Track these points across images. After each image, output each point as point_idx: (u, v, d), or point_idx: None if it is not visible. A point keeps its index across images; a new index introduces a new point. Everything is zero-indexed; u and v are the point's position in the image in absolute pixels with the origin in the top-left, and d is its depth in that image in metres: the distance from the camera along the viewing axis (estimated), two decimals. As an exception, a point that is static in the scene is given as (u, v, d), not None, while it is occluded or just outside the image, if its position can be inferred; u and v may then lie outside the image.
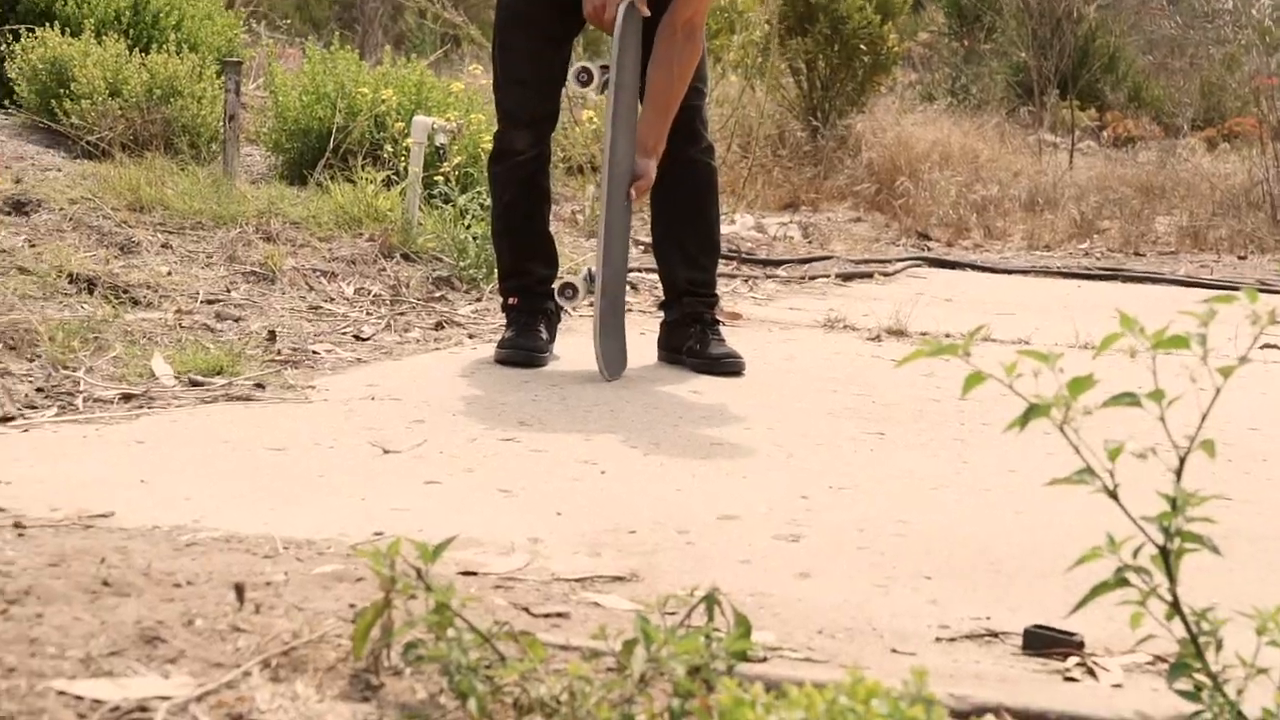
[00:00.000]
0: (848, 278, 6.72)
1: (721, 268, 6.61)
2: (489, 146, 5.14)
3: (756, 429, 3.62)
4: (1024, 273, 7.41)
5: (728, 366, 4.33)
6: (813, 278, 6.64)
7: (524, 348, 4.32)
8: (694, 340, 4.41)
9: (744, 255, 7.02)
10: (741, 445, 3.44)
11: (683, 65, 4.24)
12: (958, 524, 2.84)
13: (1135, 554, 1.91)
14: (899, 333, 5.09)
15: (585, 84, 4.26)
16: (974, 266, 7.50)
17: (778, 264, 6.92)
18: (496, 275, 4.62)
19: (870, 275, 6.81)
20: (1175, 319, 1.88)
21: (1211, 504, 2.00)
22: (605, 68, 4.21)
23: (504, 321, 4.51)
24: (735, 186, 8.79)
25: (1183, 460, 1.91)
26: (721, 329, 4.50)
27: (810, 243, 7.87)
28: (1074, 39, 13.62)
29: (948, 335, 5.11)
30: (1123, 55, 16.03)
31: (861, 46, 10.19)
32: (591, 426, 3.56)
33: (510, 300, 4.45)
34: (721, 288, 6.06)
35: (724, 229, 7.69)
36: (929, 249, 8.13)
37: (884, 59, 10.40)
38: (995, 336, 5.06)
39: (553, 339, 4.48)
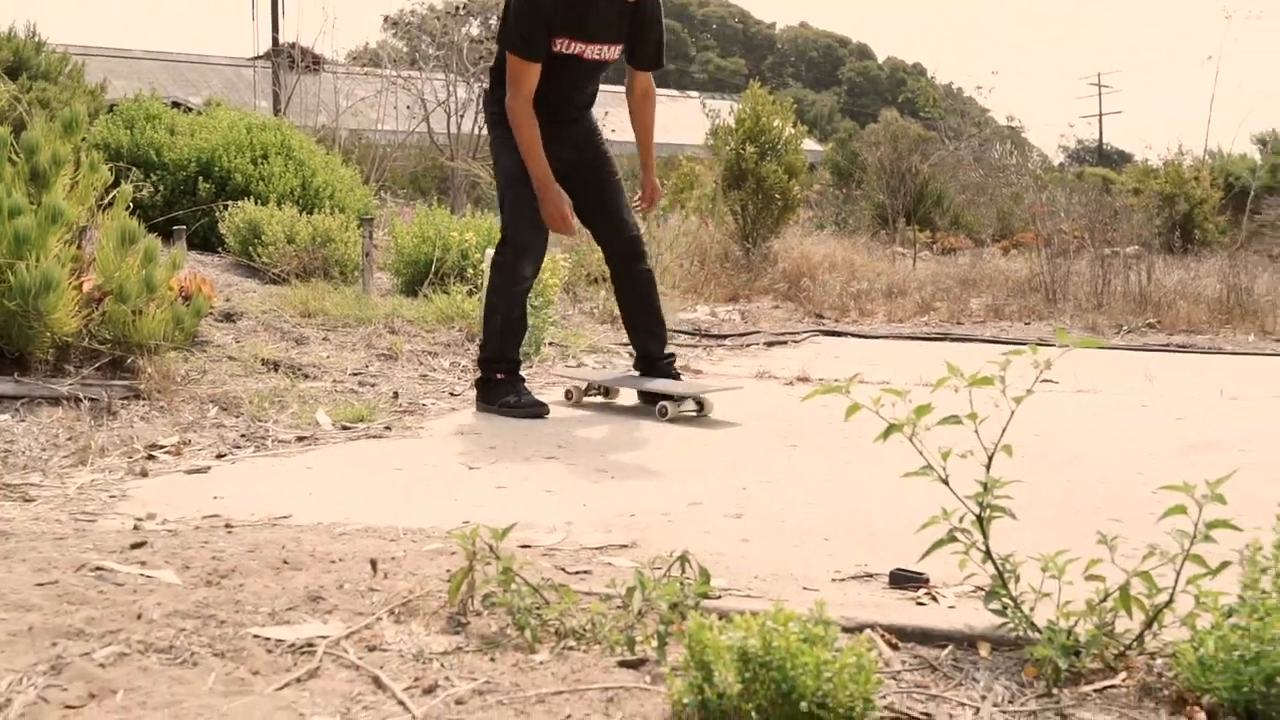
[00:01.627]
0: (771, 344, 6.68)
1: (685, 340, 6.64)
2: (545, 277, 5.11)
3: (713, 446, 3.59)
4: (885, 338, 7.37)
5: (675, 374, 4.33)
6: (748, 345, 6.61)
7: (538, 404, 4.18)
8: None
9: (703, 332, 6.99)
10: (702, 456, 3.41)
11: (652, 117, 4.22)
12: (846, 504, 2.82)
13: (961, 520, 1.89)
14: (805, 379, 5.06)
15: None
16: (853, 334, 7.46)
17: (724, 337, 6.88)
18: (483, 354, 4.17)
19: (785, 342, 6.78)
20: (984, 366, 1.87)
21: (1010, 487, 1.98)
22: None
23: (474, 384, 4.26)
24: (696, 288, 8.77)
25: (990, 458, 1.89)
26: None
27: (746, 322, 7.83)
28: (914, 185, 13.66)
29: (837, 379, 5.07)
30: (946, 194, 16.05)
31: (776, 195, 10.19)
32: (605, 449, 3.53)
33: (498, 375, 4.15)
34: (687, 353, 6.07)
35: (687, 315, 7.68)
36: (824, 324, 8.10)
37: (791, 202, 10.40)
38: (867, 379, 5.02)
39: None
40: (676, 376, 4.35)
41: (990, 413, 1.87)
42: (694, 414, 4.11)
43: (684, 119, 30.87)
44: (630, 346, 4.57)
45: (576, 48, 3.95)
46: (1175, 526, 1.69)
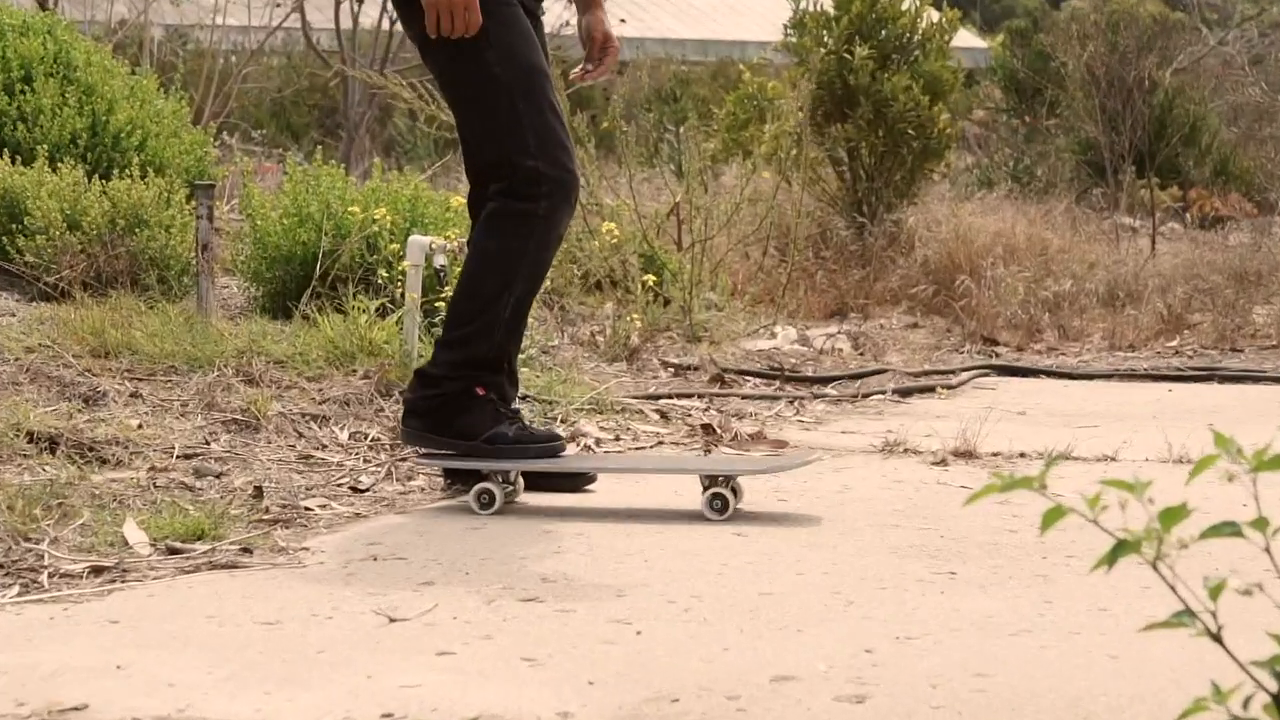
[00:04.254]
0: (906, 393, 6.72)
1: (764, 389, 6.69)
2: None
3: (810, 574, 3.61)
4: (1106, 377, 7.41)
5: None
6: (866, 395, 6.65)
7: (554, 436, 4.39)
8: None
9: (788, 373, 7.04)
10: (794, 594, 3.44)
11: None
12: (1044, 674, 2.83)
13: (1246, 704, 1.90)
14: (967, 454, 5.09)
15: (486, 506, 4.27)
16: (1049, 373, 7.51)
17: (826, 381, 6.93)
18: (452, 352, 4.39)
19: (932, 389, 6.82)
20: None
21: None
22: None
23: (413, 406, 4.42)
24: (774, 295, 8.83)
25: (1293, 595, 1.91)
26: None
27: (862, 355, 7.89)
28: (1148, 110, 13.71)
29: (1023, 455, 5.11)
30: (1205, 125, 16.06)
31: (909, 131, 10.26)
32: (623, 580, 3.56)
33: (478, 389, 4.35)
34: (764, 410, 6.12)
35: (763, 344, 7.75)
36: (997, 355, 8.14)
37: (935, 143, 10.46)
38: (1077, 454, 5.06)
39: None
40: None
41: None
42: (722, 512, 4.20)
43: (748, 2, 31.12)
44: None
45: None
46: None
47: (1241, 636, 1.94)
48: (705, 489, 4.27)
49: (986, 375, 7.38)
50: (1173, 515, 1.90)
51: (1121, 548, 1.91)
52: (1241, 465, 1.90)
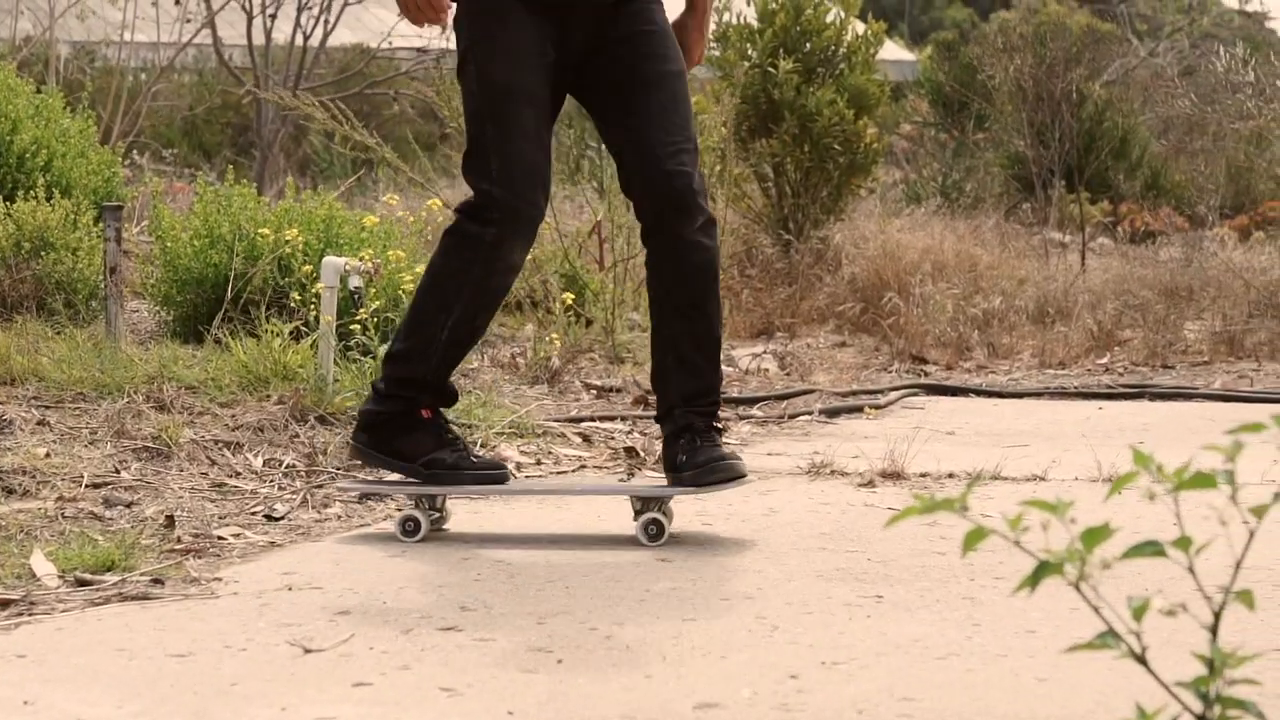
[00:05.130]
0: (833, 414, 6.76)
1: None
2: (410, 287, 5.18)
3: (735, 599, 3.63)
4: (1036, 395, 7.46)
5: (720, 473, 4.22)
6: (793, 416, 6.68)
7: (496, 465, 4.39)
8: (681, 452, 4.29)
9: (713, 394, 7.05)
10: (719, 619, 3.45)
11: None
12: (971, 698, 2.85)
13: (1172, 726, 1.93)
14: (895, 476, 5.12)
15: (411, 534, 4.26)
16: (978, 392, 7.55)
17: (751, 402, 6.95)
18: (397, 368, 4.39)
19: (860, 409, 6.85)
20: (1206, 449, 1.92)
21: (1260, 664, 2.02)
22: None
23: (361, 422, 4.42)
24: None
25: (1218, 615, 1.93)
26: (719, 434, 4.38)
27: (788, 375, 7.91)
28: (1077, 123, 13.79)
29: (951, 475, 5.13)
30: (1135, 138, 16.18)
31: (835, 145, 10.31)
32: (545, 607, 3.57)
33: (424, 411, 4.35)
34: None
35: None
36: (926, 374, 8.18)
37: (862, 158, 10.51)
38: (1006, 474, 5.09)
39: None
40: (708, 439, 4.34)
41: (1217, 533, 1.92)
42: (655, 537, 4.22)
43: (670, 12, 31.12)
44: (652, 391, 4.64)
45: None
46: None
47: (1172, 657, 1.96)
48: (637, 514, 4.27)
49: (915, 394, 7.42)
50: (1095, 535, 1.93)
51: (1043, 569, 1.93)
52: (1162, 485, 1.92)
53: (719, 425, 4.40)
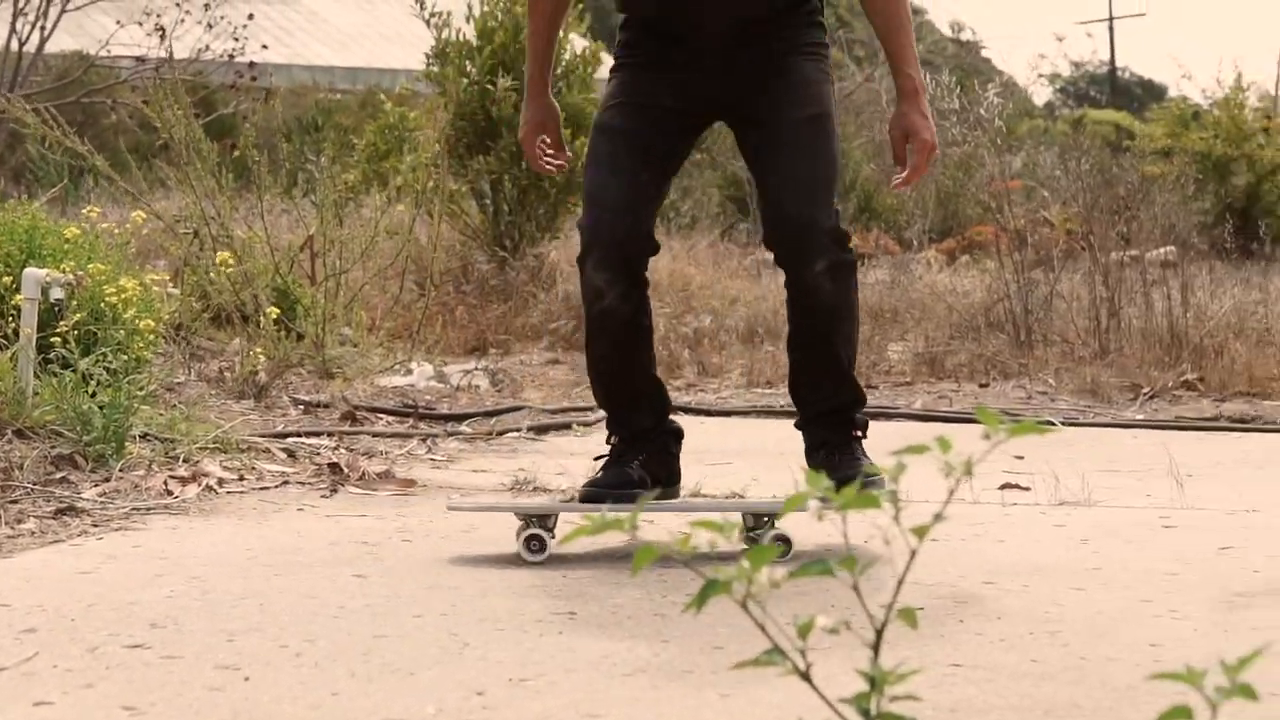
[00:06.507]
0: (542, 430, 6.78)
1: (397, 426, 6.68)
2: (112, 300, 5.09)
3: (429, 616, 3.62)
4: (743, 414, 7.55)
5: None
6: (502, 432, 6.68)
7: (608, 484, 4.41)
8: (822, 465, 4.43)
9: (422, 410, 7.04)
10: (410, 636, 3.44)
11: None
12: (654, 715, 2.88)
13: (834, 741, 1.96)
14: (597, 491, 5.14)
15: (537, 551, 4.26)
16: (686, 409, 7.61)
17: (461, 419, 6.95)
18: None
19: (568, 426, 6.88)
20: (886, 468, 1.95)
21: (923, 678, 2.06)
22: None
23: None
24: (411, 330, 8.82)
25: (879, 632, 1.97)
26: (858, 443, 4.53)
27: (500, 392, 7.93)
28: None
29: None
30: (849, 161, 16.48)
31: (552, 165, 10.32)
32: (236, 625, 3.53)
33: (611, 439, 4.62)
34: (396, 448, 6.11)
35: (399, 381, 7.74)
36: (636, 392, 8.22)
37: (578, 177, 10.54)
38: (706, 490, 5.15)
39: (660, 481, 4.56)
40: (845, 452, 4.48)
41: (902, 551, 1.95)
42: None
43: (394, 26, 30.99)
44: None
45: None
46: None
47: (835, 676, 2.00)
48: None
49: (625, 412, 7.45)
50: (762, 554, 1.96)
51: (711, 588, 1.96)
52: (830, 500, 1.96)
53: (859, 434, 4.55)
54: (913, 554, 1.98)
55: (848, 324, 4.47)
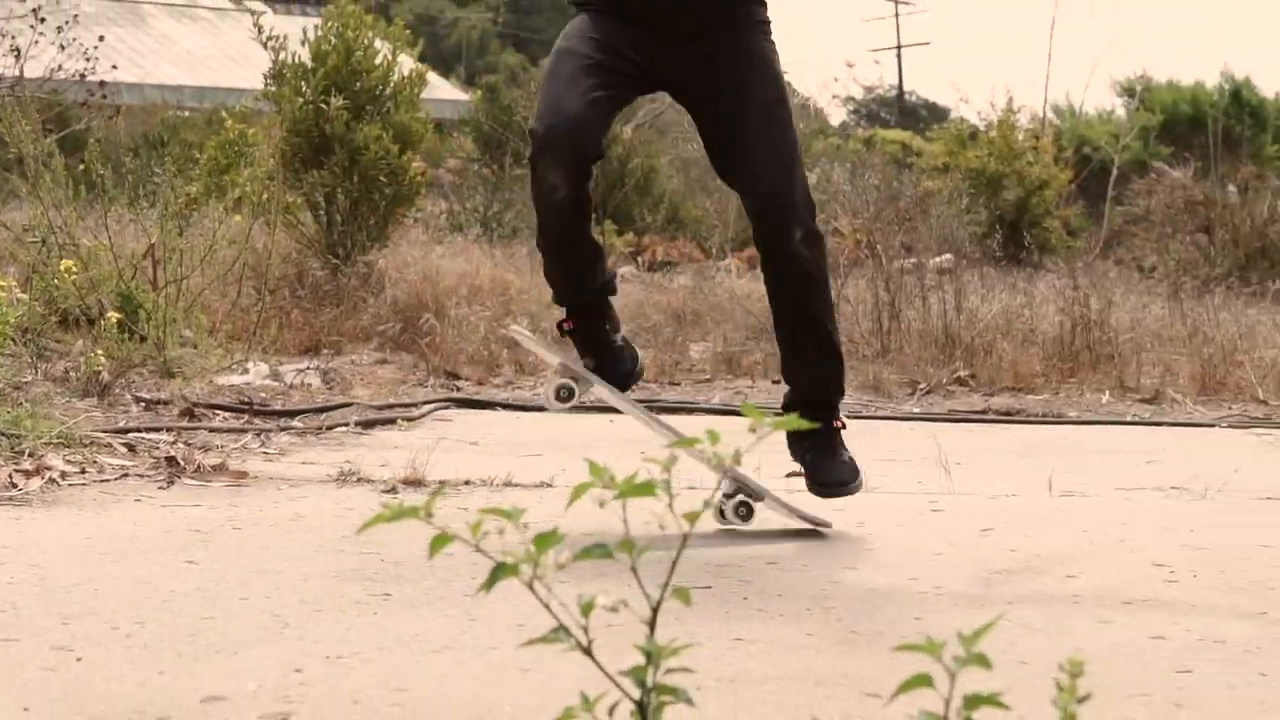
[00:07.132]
0: (369, 425, 6.73)
1: (233, 422, 6.61)
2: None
3: (253, 598, 3.59)
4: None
5: (833, 493, 4.51)
6: (330, 427, 6.63)
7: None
8: (805, 453, 4.54)
9: (257, 407, 6.97)
10: (235, 618, 3.41)
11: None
12: (460, 688, 2.88)
13: (612, 711, 1.97)
14: (416, 482, 5.13)
15: (566, 399, 4.41)
16: (505, 405, 7.62)
17: (293, 414, 6.88)
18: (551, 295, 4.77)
19: (393, 421, 6.84)
20: (646, 460, 1.97)
21: (698, 653, 2.08)
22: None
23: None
24: (249, 332, 8.74)
25: (655, 610, 1.98)
26: (838, 438, 4.56)
27: (331, 389, 7.86)
28: (605, 162, 14.02)
29: (469, 482, 5.16)
30: (656, 176, 16.56)
31: (381, 178, 10.29)
32: (71, 608, 3.48)
33: (566, 324, 4.68)
34: (232, 443, 6.05)
35: (236, 379, 7.66)
36: (458, 389, 8.21)
37: (406, 190, 10.52)
38: (517, 480, 5.15)
39: (616, 329, 4.74)
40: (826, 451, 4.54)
41: (662, 535, 1.97)
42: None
43: (240, 49, 30.74)
44: None
45: None
46: (920, 710, 1.82)
47: (616, 652, 2.01)
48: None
49: (446, 408, 7.44)
50: (546, 540, 1.97)
51: (500, 570, 1.97)
52: (609, 487, 1.98)
53: (839, 425, 4.59)
54: (685, 538, 1.99)
55: (824, 290, 4.55)
